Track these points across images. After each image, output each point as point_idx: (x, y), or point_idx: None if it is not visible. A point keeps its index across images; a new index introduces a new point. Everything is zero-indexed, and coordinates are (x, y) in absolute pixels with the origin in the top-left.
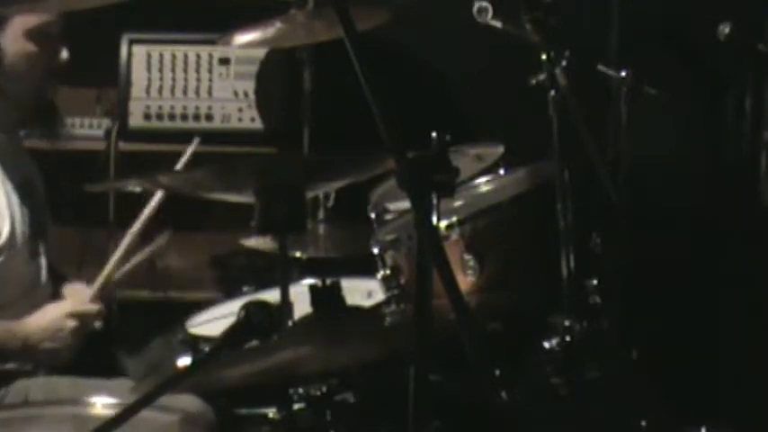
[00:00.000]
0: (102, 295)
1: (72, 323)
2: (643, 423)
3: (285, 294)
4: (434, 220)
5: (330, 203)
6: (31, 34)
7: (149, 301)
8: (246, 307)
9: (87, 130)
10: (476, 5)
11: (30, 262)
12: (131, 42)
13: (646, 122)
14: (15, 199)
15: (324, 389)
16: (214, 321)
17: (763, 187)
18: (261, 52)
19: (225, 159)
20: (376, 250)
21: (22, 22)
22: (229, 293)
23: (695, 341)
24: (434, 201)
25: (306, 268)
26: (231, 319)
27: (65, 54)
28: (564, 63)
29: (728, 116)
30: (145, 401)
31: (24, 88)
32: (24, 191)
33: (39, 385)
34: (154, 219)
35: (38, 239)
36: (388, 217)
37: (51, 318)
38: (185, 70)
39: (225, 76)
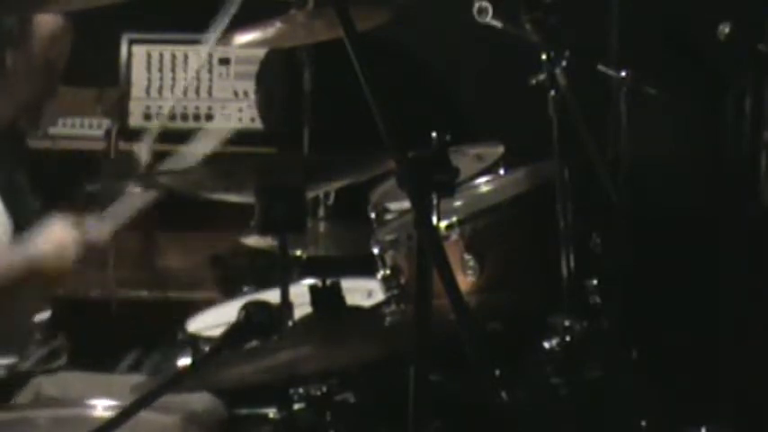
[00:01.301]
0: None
1: (77, 247)
2: (643, 423)
3: (285, 294)
4: (434, 220)
5: (330, 203)
6: (41, 66)
7: (149, 301)
8: (246, 307)
9: (87, 130)
10: (476, 5)
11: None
12: (131, 42)
13: (646, 122)
14: None
15: (324, 389)
16: (214, 321)
17: (763, 187)
18: (261, 52)
19: (225, 159)
20: (376, 250)
21: (27, 55)
22: (229, 293)
23: (695, 341)
24: (434, 201)
25: (306, 268)
26: (231, 319)
27: (53, 95)
28: (564, 63)
29: (728, 116)
30: (145, 401)
31: (6, 106)
32: (5, 186)
33: (51, 381)
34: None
35: (21, 234)
36: (388, 217)
37: (57, 236)
38: (185, 70)
39: (225, 76)
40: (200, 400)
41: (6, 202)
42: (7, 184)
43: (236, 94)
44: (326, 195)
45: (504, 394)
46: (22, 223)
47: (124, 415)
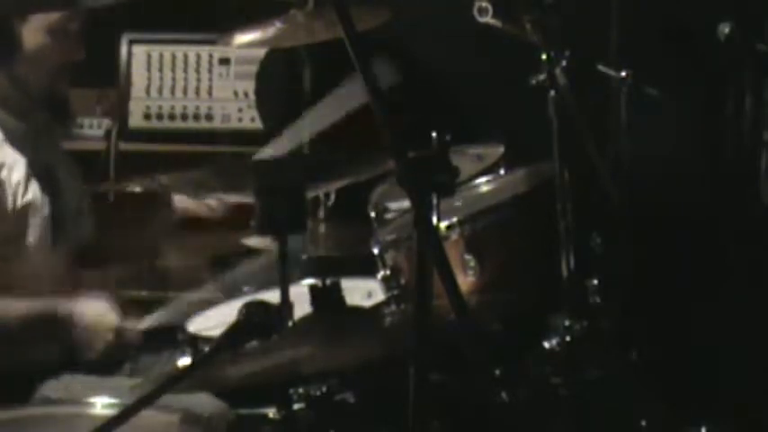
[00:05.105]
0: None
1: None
2: (643, 423)
3: (285, 294)
4: (434, 220)
5: (330, 203)
6: (50, 29)
7: (149, 301)
8: (246, 307)
9: (87, 130)
10: (476, 5)
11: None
12: (131, 42)
13: (646, 122)
14: (35, 186)
15: (324, 389)
16: (214, 321)
17: (763, 186)
18: (261, 52)
19: (225, 159)
20: (376, 250)
21: (43, 17)
22: (229, 293)
23: (695, 340)
24: (434, 201)
25: (306, 268)
26: (231, 319)
27: (81, 53)
28: (564, 63)
29: (728, 116)
30: (145, 401)
31: (37, 79)
32: (44, 180)
33: (53, 386)
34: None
35: (56, 229)
36: (388, 217)
37: (98, 311)
38: (185, 70)
39: (225, 76)
40: (205, 403)
41: (44, 184)
42: (45, 167)
43: (236, 94)
44: (326, 195)
45: (504, 394)
46: (63, 208)
47: (124, 415)
